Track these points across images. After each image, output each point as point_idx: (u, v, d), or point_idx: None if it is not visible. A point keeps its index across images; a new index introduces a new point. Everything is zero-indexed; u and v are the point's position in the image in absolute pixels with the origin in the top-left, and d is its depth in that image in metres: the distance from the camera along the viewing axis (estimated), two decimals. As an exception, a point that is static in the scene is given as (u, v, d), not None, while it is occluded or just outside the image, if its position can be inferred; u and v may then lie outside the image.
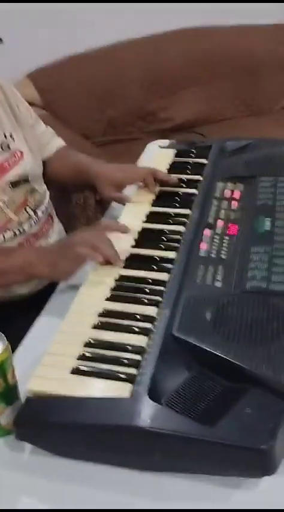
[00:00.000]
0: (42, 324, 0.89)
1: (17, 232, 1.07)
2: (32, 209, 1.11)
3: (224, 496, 0.64)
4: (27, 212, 1.10)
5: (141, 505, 0.64)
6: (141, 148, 1.52)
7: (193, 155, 1.22)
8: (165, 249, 0.92)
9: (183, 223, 0.98)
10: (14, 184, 1.08)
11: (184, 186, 1.10)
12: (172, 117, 2.30)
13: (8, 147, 1.09)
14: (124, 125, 2.27)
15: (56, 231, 1.20)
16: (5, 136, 1.09)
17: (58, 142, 1.26)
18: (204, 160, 1.17)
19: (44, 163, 1.22)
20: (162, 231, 0.97)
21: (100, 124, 2.24)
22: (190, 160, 1.20)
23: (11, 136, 1.10)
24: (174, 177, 1.13)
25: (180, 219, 1.00)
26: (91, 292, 0.85)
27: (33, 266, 0.94)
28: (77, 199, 2.02)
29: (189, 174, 1.12)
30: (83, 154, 1.26)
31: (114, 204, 1.21)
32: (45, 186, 1.20)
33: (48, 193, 1.19)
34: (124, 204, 1.11)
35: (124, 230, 0.95)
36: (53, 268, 0.92)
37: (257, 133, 1.88)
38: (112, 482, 0.66)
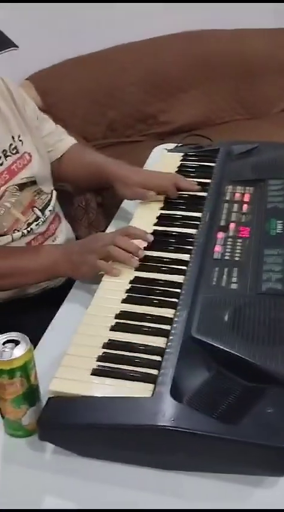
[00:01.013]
0: (58, 324, 0.90)
1: (25, 232, 1.08)
2: (39, 209, 1.12)
3: (245, 494, 0.65)
4: (35, 212, 1.11)
5: (162, 504, 0.65)
6: (141, 151, 1.53)
7: (200, 158, 1.23)
8: (178, 252, 0.93)
9: (195, 226, 0.99)
10: (21, 186, 1.09)
11: (203, 190, 1.11)
12: (172, 120, 2.32)
13: (17, 150, 1.09)
14: (124, 127, 2.28)
15: (64, 230, 1.21)
16: (14, 139, 1.09)
17: (70, 141, 1.25)
18: (212, 164, 1.18)
19: (55, 162, 1.22)
20: (174, 234, 0.99)
21: (101, 127, 2.25)
22: (198, 163, 1.21)
23: (19, 138, 1.11)
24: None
25: (192, 222, 1.01)
26: (107, 295, 0.86)
27: (58, 266, 0.96)
28: (79, 202, 2.03)
29: (197, 177, 1.14)
30: (99, 153, 1.25)
31: (124, 205, 1.21)
32: (53, 187, 1.20)
33: (55, 193, 1.20)
34: (146, 198, 1.09)
35: (145, 237, 0.95)
36: (74, 270, 0.95)
37: (256, 136, 1.90)
38: (133, 481, 0.67)
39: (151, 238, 0.96)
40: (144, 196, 1.10)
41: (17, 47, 0.91)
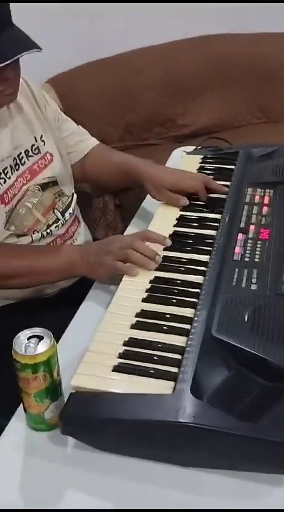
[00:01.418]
0: (78, 322, 0.91)
1: (45, 234, 1.10)
2: (59, 211, 1.14)
3: (264, 492, 0.65)
4: (55, 214, 1.13)
5: (181, 501, 0.66)
6: (159, 154, 1.54)
7: (220, 161, 1.24)
8: (198, 253, 0.94)
9: (215, 228, 1.00)
10: (43, 186, 1.11)
11: (209, 191, 1.12)
12: (190, 123, 2.33)
13: (39, 150, 1.11)
14: (141, 130, 2.30)
15: (82, 233, 1.22)
16: (36, 139, 1.11)
17: (93, 141, 1.26)
18: (231, 166, 1.19)
19: (78, 163, 1.23)
20: (193, 235, 1.00)
21: (118, 129, 2.27)
22: (217, 166, 1.22)
23: (41, 139, 1.12)
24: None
25: (211, 223, 1.02)
26: (128, 294, 0.87)
27: (77, 266, 0.96)
28: (97, 204, 2.05)
29: (216, 179, 1.14)
30: (126, 153, 1.26)
31: (145, 205, 1.22)
32: (74, 190, 1.22)
33: (75, 196, 1.22)
34: (180, 205, 1.09)
35: (163, 242, 0.96)
36: (91, 271, 0.96)
37: (274, 139, 1.89)
38: (153, 477, 0.68)
39: (169, 242, 0.96)
40: (177, 203, 1.09)
41: (40, 49, 0.92)
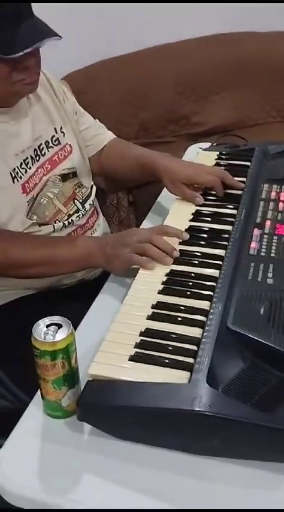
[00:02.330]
0: (94, 313, 0.92)
1: (66, 224, 1.11)
2: (79, 202, 1.15)
3: (277, 482, 0.66)
4: (76, 205, 1.15)
5: (194, 488, 0.67)
6: (173, 152, 1.54)
7: (235, 158, 1.25)
8: (214, 247, 0.95)
9: (230, 223, 1.01)
10: (64, 177, 1.12)
11: (225, 187, 1.12)
12: (204, 122, 2.33)
13: (59, 141, 1.13)
14: (156, 128, 2.31)
15: (101, 224, 1.24)
16: (56, 130, 1.13)
17: (110, 135, 1.28)
18: (246, 163, 1.20)
19: (95, 155, 1.24)
20: (209, 230, 1.00)
21: (133, 127, 2.28)
22: (233, 162, 1.23)
23: (61, 130, 1.14)
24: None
25: (227, 218, 1.03)
26: (144, 286, 0.88)
27: (93, 256, 0.97)
28: (111, 200, 2.07)
29: (233, 175, 1.15)
30: (142, 147, 1.26)
31: (161, 199, 1.22)
32: (92, 182, 1.23)
33: (94, 188, 1.23)
34: (196, 203, 1.08)
35: (181, 236, 0.96)
36: (107, 262, 0.96)
37: (288, 139, 1.90)
38: (168, 465, 0.69)
39: (187, 236, 0.96)
40: (193, 200, 1.09)
41: (60, 37, 0.93)
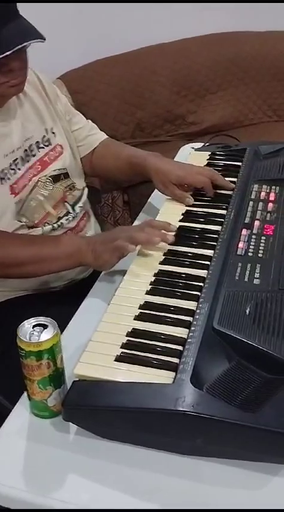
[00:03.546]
0: (82, 314, 0.93)
1: (55, 226, 1.11)
2: (70, 205, 1.15)
3: (262, 481, 0.67)
4: (66, 207, 1.14)
5: (179, 488, 0.67)
6: (169, 151, 1.54)
7: (227, 158, 1.25)
8: (202, 247, 0.95)
9: (220, 223, 1.01)
10: (55, 178, 1.12)
11: (216, 187, 1.12)
12: (200, 121, 2.34)
13: (49, 142, 1.13)
14: (152, 127, 2.31)
15: (92, 227, 1.24)
16: (47, 131, 1.13)
17: (101, 135, 1.28)
18: (238, 163, 1.20)
19: (87, 156, 1.24)
20: (198, 230, 1.01)
21: (129, 126, 2.28)
22: (225, 162, 1.23)
23: (52, 131, 1.14)
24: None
25: (216, 219, 1.03)
26: (132, 286, 0.89)
27: (82, 253, 0.97)
28: (105, 200, 2.07)
29: (223, 176, 1.15)
30: (134, 147, 1.26)
31: (151, 200, 1.23)
32: (85, 184, 1.23)
33: (86, 190, 1.23)
34: (186, 204, 1.09)
35: (168, 228, 0.96)
36: (96, 257, 0.95)
37: (284, 138, 1.91)
38: (152, 464, 0.69)
39: (174, 228, 0.97)
40: (183, 200, 1.09)
41: (43, 39, 0.92)
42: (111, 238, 0.95)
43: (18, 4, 0.94)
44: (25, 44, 0.90)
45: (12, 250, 0.99)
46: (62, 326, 0.88)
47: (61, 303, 1.06)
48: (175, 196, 1.10)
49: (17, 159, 1.05)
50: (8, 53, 0.88)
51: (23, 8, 0.96)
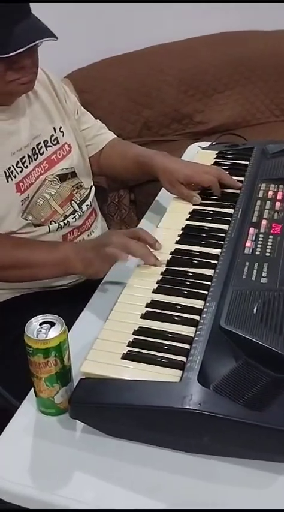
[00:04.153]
0: (89, 312, 0.93)
1: (62, 225, 1.11)
2: (77, 203, 1.15)
3: (268, 480, 0.66)
4: (73, 206, 1.14)
5: (184, 486, 0.67)
6: (176, 150, 1.54)
7: (234, 157, 1.25)
8: (209, 246, 0.95)
9: (227, 222, 1.01)
10: (62, 177, 1.12)
11: (223, 186, 1.12)
12: (207, 120, 2.33)
13: (57, 140, 1.13)
14: (159, 126, 2.31)
15: (99, 226, 1.24)
16: (55, 130, 1.13)
17: (110, 135, 1.28)
18: (245, 162, 1.20)
19: (95, 156, 1.24)
20: (206, 229, 1.01)
21: (136, 125, 2.28)
22: (232, 161, 1.23)
23: (60, 130, 1.14)
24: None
25: (224, 217, 1.03)
26: (139, 285, 0.89)
27: (70, 262, 0.94)
28: (112, 199, 2.07)
29: (231, 175, 1.15)
30: (141, 146, 1.26)
31: (159, 199, 1.23)
32: (92, 183, 1.23)
33: (94, 189, 1.23)
34: (193, 202, 1.08)
35: (155, 246, 0.93)
36: (87, 266, 0.92)
37: (291, 138, 1.90)
38: (158, 462, 0.69)
39: (159, 247, 0.93)
40: (190, 199, 1.08)
41: (55, 37, 0.93)
42: (101, 244, 0.92)
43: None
44: (38, 41, 0.90)
45: (3, 252, 0.98)
46: (68, 324, 0.88)
47: (67, 301, 1.06)
48: (182, 195, 1.10)
49: (24, 157, 1.05)
50: (21, 49, 0.89)
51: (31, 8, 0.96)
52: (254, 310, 0.77)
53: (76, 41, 2.14)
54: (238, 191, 1.10)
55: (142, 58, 2.31)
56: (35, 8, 0.97)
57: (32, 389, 0.76)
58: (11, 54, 0.89)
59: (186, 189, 1.10)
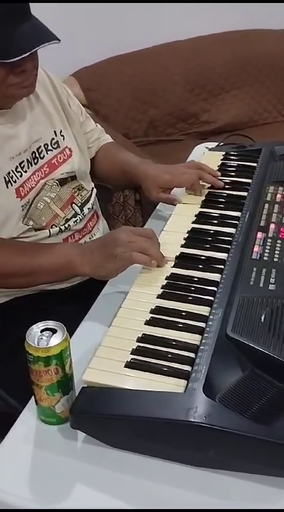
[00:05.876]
0: (92, 317, 0.91)
1: (63, 228, 1.09)
2: (78, 206, 1.13)
3: (275, 497, 0.64)
4: (74, 209, 1.12)
5: (188, 500, 0.65)
6: (181, 150, 1.53)
7: (241, 158, 1.22)
8: (216, 250, 0.93)
9: (234, 225, 0.98)
10: (61, 181, 1.10)
11: (230, 188, 1.10)
12: (214, 120, 2.31)
13: (58, 144, 1.11)
14: (165, 126, 2.29)
15: (101, 228, 1.21)
16: (56, 134, 1.11)
17: (106, 139, 1.27)
18: (253, 164, 1.17)
19: (92, 159, 1.23)
20: (212, 232, 0.98)
21: (142, 124, 2.26)
22: (239, 163, 1.20)
23: (61, 133, 1.12)
24: (222, 180, 1.12)
25: (231, 221, 1.00)
26: (143, 290, 0.86)
27: (75, 265, 0.92)
28: (117, 199, 2.05)
29: (238, 177, 1.13)
30: (130, 153, 1.25)
31: (160, 205, 1.21)
32: (93, 184, 1.21)
33: (95, 191, 1.21)
34: (174, 205, 1.09)
35: (159, 261, 0.89)
36: (97, 268, 0.90)
37: (299, 138, 1.87)
38: (161, 475, 0.67)
39: (164, 263, 0.90)
40: (170, 202, 1.10)
41: (58, 40, 0.91)
42: (113, 245, 0.89)
43: (31, 3, 0.92)
44: (41, 46, 0.88)
45: (7, 260, 0.96)
46: (72, 327, 0.86)
47: (70, 303, 1.04)
48: (161, 200, 1.12)
49: (23, 161, 1.03)
50: (25, 55, 0.87)
51: (37, 7, 0.94)
52: (262, 318, 0.74)
53: (83, 39, 2.12)
54: (245, 193, 1.08)
55: (148, 57, 2.30)
56: (43, 7, 0.96)
57: (33, 396, 0.74)
58: (15, 59, 0.87)
59: (163, 194, 1.10)
